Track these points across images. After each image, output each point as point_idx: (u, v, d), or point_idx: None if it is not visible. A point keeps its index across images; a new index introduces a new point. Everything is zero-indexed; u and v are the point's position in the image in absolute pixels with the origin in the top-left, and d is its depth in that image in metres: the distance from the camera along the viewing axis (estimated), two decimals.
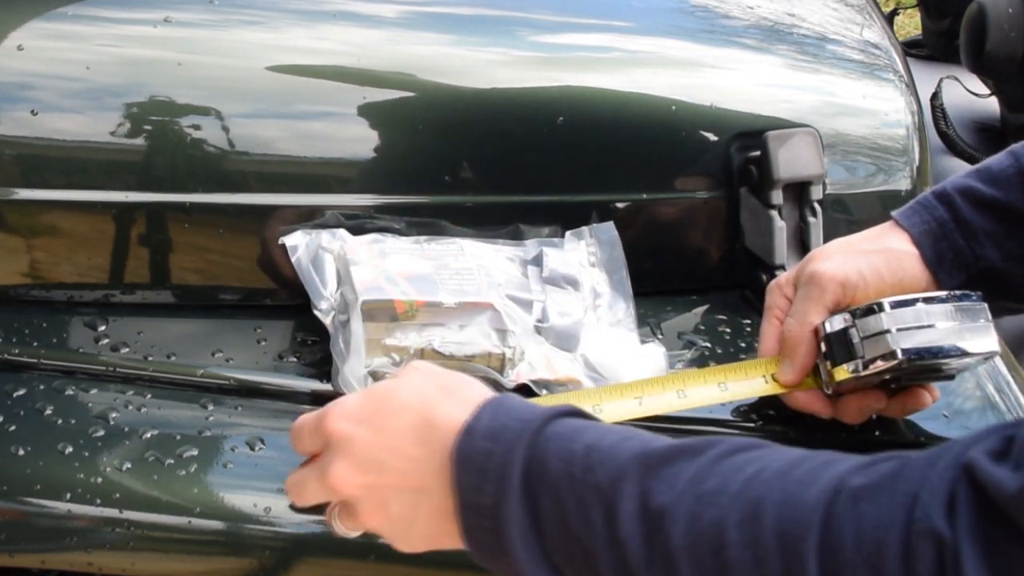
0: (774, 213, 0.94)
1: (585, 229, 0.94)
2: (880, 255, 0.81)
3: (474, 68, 0.94)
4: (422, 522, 0.68)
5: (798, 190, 0.95)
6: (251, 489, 0.80)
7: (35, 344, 0.88)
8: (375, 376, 0.83)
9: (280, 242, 0.89)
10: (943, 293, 0.79)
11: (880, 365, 0.76)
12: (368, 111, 0.91)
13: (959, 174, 0.86)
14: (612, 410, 0.79)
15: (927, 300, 0.77)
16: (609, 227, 0.94)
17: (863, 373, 0.77)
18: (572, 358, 0.86)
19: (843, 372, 0.78)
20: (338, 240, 0.89)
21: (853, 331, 0.77)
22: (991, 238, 0.82)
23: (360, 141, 0.91)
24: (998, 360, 0.97)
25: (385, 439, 0.68)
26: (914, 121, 1.04)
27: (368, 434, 0.68)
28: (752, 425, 0.86)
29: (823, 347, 0.80)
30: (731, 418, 0.86)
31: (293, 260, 0.87)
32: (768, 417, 0.86)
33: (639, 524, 0.60)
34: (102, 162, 0.89)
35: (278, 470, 0.81)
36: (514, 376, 0.84)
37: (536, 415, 0.65)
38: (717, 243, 0.99)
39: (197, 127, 0.89)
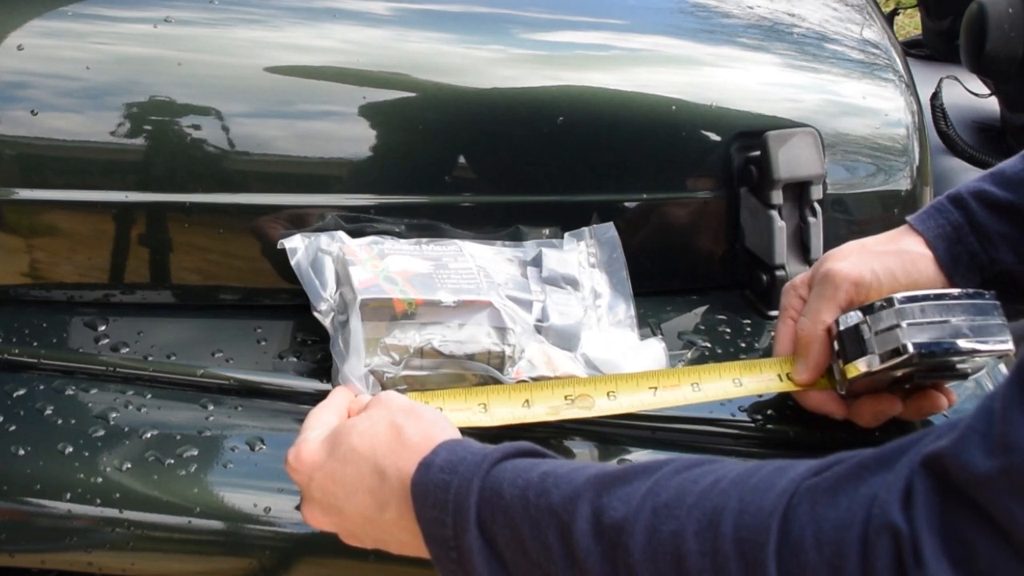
0: (774, 213, 0.94)
1: (585, 230, 0.94)
2: (894, 256, 0.82)
3: (474, 68, 0.94)
4: (397, 551, 0.71)
5: (798, 190, 0.95)
6: (251, 489, 0.80)
7: (35, 344, 0.88)
8: (375, 375, 0.83)
9: (279, 245, 0.89)
10: (956, 290, 0.78)
11: (891, 361, 0.76)
12: (368, 111, 0.91)
13: (973, 178, 0.86)
14: (627, 400, 0.80)
15: (939, 296, 0.77)
16: (609, 227, 0.94)
17: (875, 369, 0.77)
18: (572, 356, 0.86)
19: (855, 369, 0.78)
20: (337, 242, 0.89)
21: (865, 327, 0.77)
22: (1006, 241, 0.82)
23: (360, 141, 0.91)
24: (998, 360, 0.97)
25: (338, 486, 0.70)
26: (914, 121, 1.04)
27: (323, 481, 0.71)
28: (754, 426, 0.86)
29: (836, 346, 0.79)
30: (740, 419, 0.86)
31: (292, 263, 0.88)
32: (775, 418, 0.86)
33: (596, 541, 0.60)
34: (102, 162, 0.89)
35: (278, 470, 0.81)
36: (514, 374, 0.84)
37: (493, 450, 0.66)
38: (717, 243, 0.99)
39: (197, 127, 0.89)
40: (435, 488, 0.65)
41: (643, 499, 0.60)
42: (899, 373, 0.78)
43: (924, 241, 0.83)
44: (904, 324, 0.75)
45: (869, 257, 0.82)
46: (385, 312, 0.84)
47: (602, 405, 0.81)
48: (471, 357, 0.84)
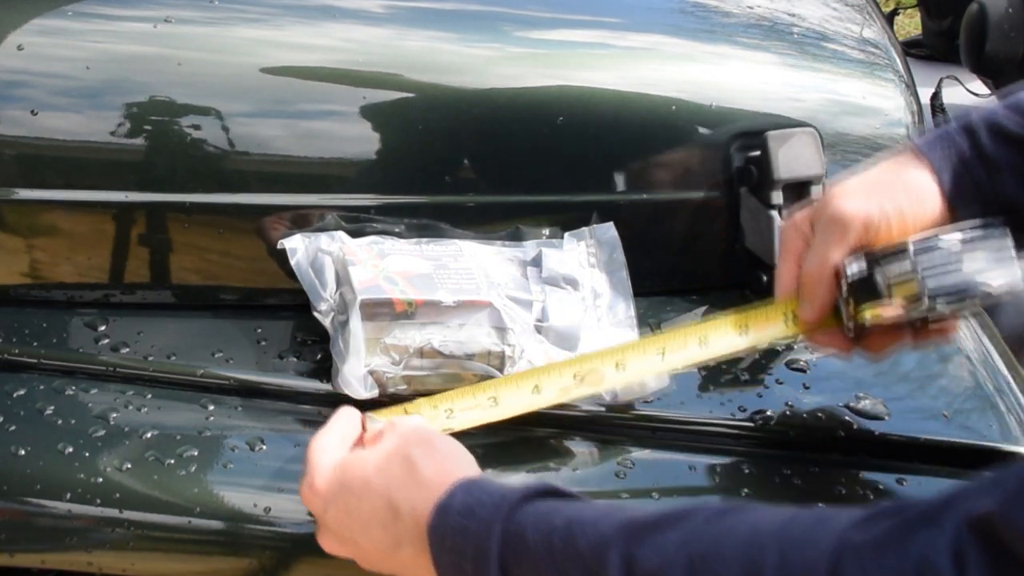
0: (774, 213, 0.94)
1: (585, 230, 0.94)
2: (902, 191, 0.78)
3: (474, 67, 0.94)
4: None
5: (798, 190, 0.95)
6: (251, 489, 0.80)
7: (35, 344, 0.88)
8: (375, 375, 0.83)
9: (279, 245, 0.89)
10: (967, 227, 0.75)
11: (909, 307, 0.74)
12: (368, 111, 0.91)
13: (988, 105, 0.83)
14: (636, 368, 0.79)
15: (951, 237, 0.75)
16: (609, 227, 0.94)
17: (889, 315, 0.75)
18: (572, 356, 0.86)
19: (870, 313, 0.76)
20: (337, 242, 0.89)
21: (879, 275, 0.75)
22: (1014, 173, 0.79)
23: (360, 141, 0.91)
24: (998, 360, 0.97)
25: (353, 521, 0.70)
26: (914, 121, 1.04)
27: (338, 514, 0.71)
28: (753, 426, 0.86)
29: (844, 288, 0.77)
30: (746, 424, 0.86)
31: (292, 263, 0.88)
32: (775, 419, 0.86)
33: None
34: (102, 162, 0.89)
35: (278, 470, 0.81)
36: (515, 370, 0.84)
37: (512, 492, 0.65)
38: (717, 243, 0.99)
39: (197, 127, 0.89)
40: (453, 532, 0.64)
41: (678, 549, 0.58)
42: (915, 315, 0.76)
43: (930, 169, 0.79)
44: (921, 271, 0.73)
45: (877, 193, 0.78)
46: (385, 312, 0.84)
47: (612, 378, 0.80)
48: (471, 357, 0.84)
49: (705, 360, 0.81)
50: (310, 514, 0.76)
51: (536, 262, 0.91)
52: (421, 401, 0.81)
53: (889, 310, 0.75)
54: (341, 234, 0.90)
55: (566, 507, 0.64)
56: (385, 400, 0.83)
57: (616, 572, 0.59)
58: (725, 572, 0.56)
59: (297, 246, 0.89)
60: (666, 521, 0.60)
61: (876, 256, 0.76)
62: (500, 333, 0.85)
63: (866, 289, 0.76)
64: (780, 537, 0.57)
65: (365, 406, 0.83)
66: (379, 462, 0.71)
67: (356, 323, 0.83)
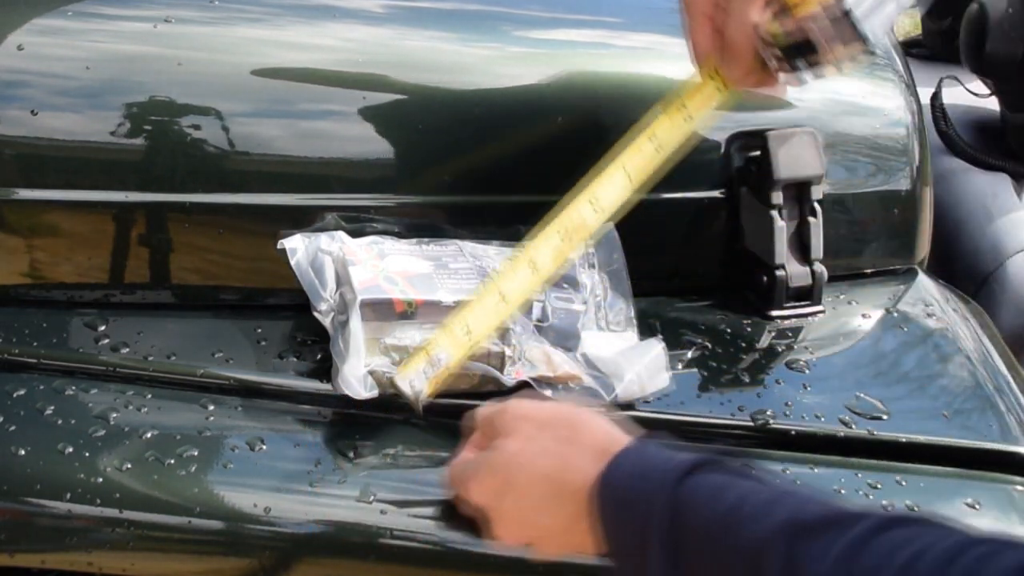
0: (774, 213, 0.94)
1: None
2: None
3: (475, 67, 0.94)
4: (574, 551, 0.71)
5: (798, 190, 0.95)
6: (251, 489, 0.80)
7: (35, 344, 0.88)
8: (375, 375, 0.82)
9: (279, 245, 0.89)
10: None
11: (844, 52, 0.78)
12: (368, 111, 0.91)
13: None
14: (609, 197, 0.81)
15: None
16: (608, 227, 0.94)
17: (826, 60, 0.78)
18: (572, 356, 0.86)
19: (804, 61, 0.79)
20: (336, 242, 0.89)
21: (813, 28, 0.77)
22: None
23: (360, 141, 0.91)
24: (998, 360, 0.97)
25: (525, 511, 0.71)
26: (914, 121, 1.04)
27: (509, 507, 0.72)
28: (754, 425, 0.86)
29: (768, 42, 0.79)
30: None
31: (292, 263, 0.87)
32: (775, 418, 0.86)
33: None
34: (102, 162, 0.89)
35: (278, 470, 0.81)
36: (514, 374, 0.84)
37: (677, 464, 0.65)
38: (717, 243, 0.99)
39: (197, 127, 0.89)
40: (621, 495, 0.65)
41: (837, 561, 0.56)
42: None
43: None
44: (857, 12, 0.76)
45: None
46: (385, 312, 0.84)
47: (593, 219, 0.81)
48: (471, 357, 0.84)
49: (661, 161, 0.81)
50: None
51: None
52: (437, 336, 0.81)
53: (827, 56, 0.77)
54: (341, 234, 0.90)
55: (734, 486, 0.63)
56: (385, 400, 0.83)
57: (775, 574, 0.58)
58: None
59: (297, 246, 0.89)
60: (831, 525, 0.58)
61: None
62: (500, 333, 0.85)
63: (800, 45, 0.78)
64: (944, 569, 0.53)
65: (365, 405, 0.84)
66: (536, 450, 0.71)
67: (356, 323, 0.83)
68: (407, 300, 0.84)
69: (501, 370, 0.84)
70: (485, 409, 0.78)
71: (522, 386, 0.84)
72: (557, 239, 0.81)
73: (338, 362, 0.83)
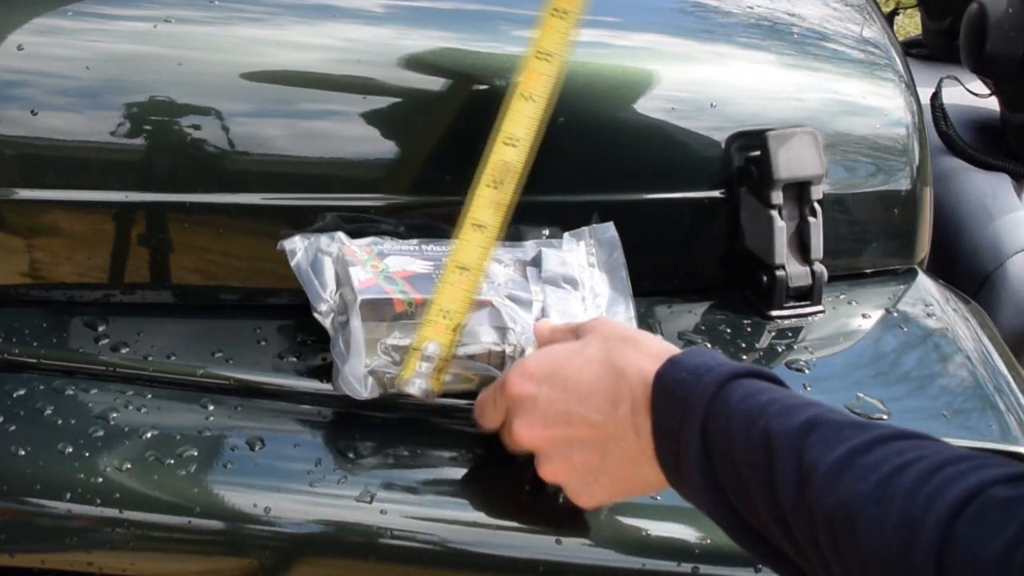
0: (774, 213, 0.94)
1: (585, 230, 0.94)
2: None
3: (475, 67, 0.94)
4: (608, 471, 0.73)
5: (798, 190, 0.95)
6: (251, 489, 0.80)
7: (35, 344, 0.88)
8: (375, 375, 0.83)
9: (279, 247, 0.89)
10: None
11: None
12: (368, 111, 0.91)
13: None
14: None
15: None
16: (609, 227, 0.94)
17: None
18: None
19: None
20: (336, 243, 0.89)
21: None
22: None
23: (359, 141, 0.91)
24: (998, 360, 0.97)
25: (571, 393, 0.73)
26: (914, 121, 1.04)
27: (553, 390, 0.74)
28: None
29: None
30: None
31: (292, 264, 0.87)
32: None
33: (794, 472, 0.61)
34: (102, 162, 0.89)
35: (278, 470, 0.82)
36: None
37: (738, 365, 0.69)
38: (717, 243, 0.99)
39: (197, 127, 0.89)
40: (675, 384, 0.69)
41: (844, 454, 0.60)
42: None
43: None
44: None
45: None
46: (385, 312, 0.84)
47: (514, 156, 0.83)
48: (471, 357, 0.84)
49: (560, 68, 0.82)
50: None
51: (536, 262, 0.91)
52: (420, 332, 0.82)
53: None
54: (341, 234, 0.90)
55: (774, 390, 0.67)
56: (385, 400, 0.83)
57: (792, 455, 0.62)
58: (872, 486, 0.58)
59: (296, 247, 0.89)
60: (849, 426, 0.62)
61: None
62: (500, 332, 0.85)
63: None
64: (932, 473, 0.57)
65: (365, 405, 0.84)
66: (597, 343, 0.75)
67: (356, 323, 0.83)
68: (407, 300, 0.84)
69: (501, 369, 0.84)
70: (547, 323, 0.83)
71: None
72: (490, 191, 0.81)
73: (338, 362, 0.83)
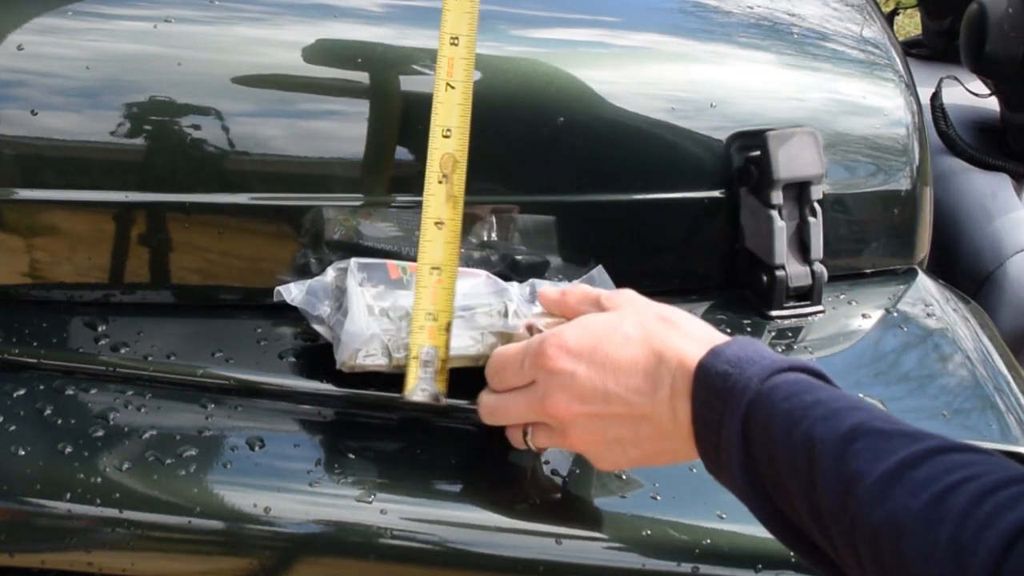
0: (774, 213, 0.94)
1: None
2: None
3: (475, 67, 0.94)
4: (639, 444, 0.74)
5: (798, 190, 0.95)
6: (251, 489, 0.80)
7: (35, 344, 0.88)
8: (377, 340, 0.82)
9: (276, 295, 0.89)
10: None
11: None
12: (369, 111, 0.91)
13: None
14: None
15: None
16: (600, 271, 0.92)
17: None
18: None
19: None
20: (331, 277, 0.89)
21: None
22: None
23: (360, 141, 0.91)
24: (998, 360, 0.97)
25: (609, 372, 0.73)
26: (914, 121, 1.04)
27: (591, 367, 0.73)
28: None
29: None
30: None
31: (288, 300, 0.88)
32: None
33: (836, 481, 0.60)
34: (102, 162, 0.89)
35: (278, 470, 0.82)
36: (521, 325, 0.84)
37: (781, 360, 0.69)
38: (717, 243, 0.99)
39: (197, 127, 0.89)
40: (716, 376, 0.68)
41: (894, 466, 0.59)
42: None
43: None
44: None
45: None
46: (380, 276, 0.85)
47: (454, 146, 0.82)
48: (470, 309, 0.84)
49: (471, 47, 0.82)
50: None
51: (530, 295, 0.91)
52: (412, 339, 0.82)
53: None
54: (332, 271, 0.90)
55: (819, 389, 0.66)
56: (386, 400, 0.83)
57: (830, 460, 0.61)
58: (921, 505, 0.56)
59: (291, 288, 0.89)
60: (898, 435, 0.61)
61: None
62: (498, 293, 0.85)
63: None
64: (981, 500, 0.55)
65: (365, 405, 0.84)
66: (634, 320, 0.74)
67: (353, 285, 0.83)
68: (402, 267, 0.85)
69: (506, 317, 0.84)
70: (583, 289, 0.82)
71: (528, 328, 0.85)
72: (442, 186, 0.82)
73: (337, 330, 0.83)
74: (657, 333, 0.73)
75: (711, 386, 0.69)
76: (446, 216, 0.82)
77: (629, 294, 0.80)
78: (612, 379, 0.73)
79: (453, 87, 0.81)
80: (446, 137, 0.81)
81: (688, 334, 0.73)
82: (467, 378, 0.83)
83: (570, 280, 0.93)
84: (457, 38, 0.81)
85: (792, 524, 0.65)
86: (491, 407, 0.80)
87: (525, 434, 0.79)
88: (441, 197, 0.81)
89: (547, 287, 0.84)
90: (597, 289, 0.82)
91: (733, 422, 0.67)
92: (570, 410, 0.74)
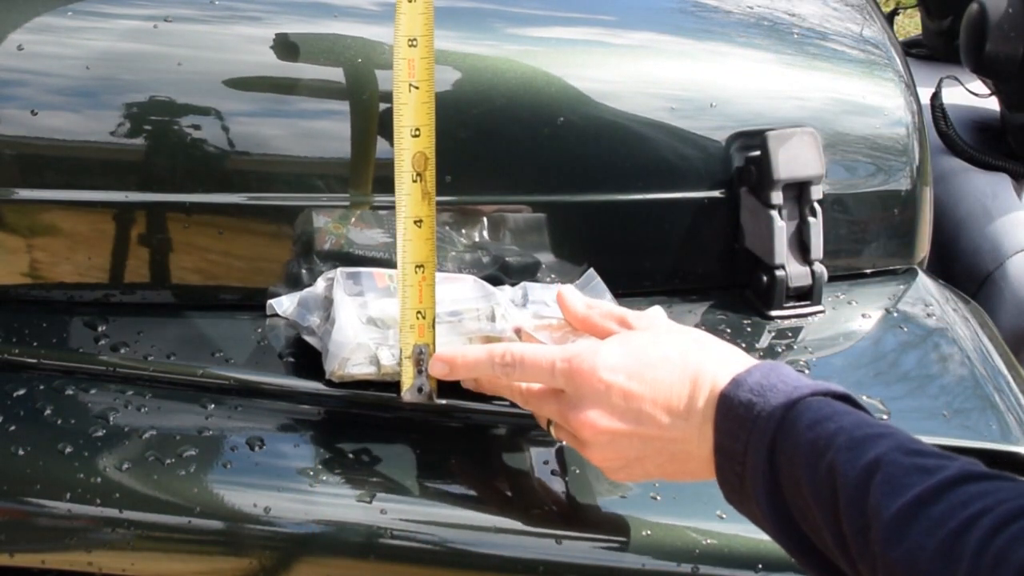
0: (774, 213, 0.94)
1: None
2: None
3: (475, 67, 0.94)
4: (660, 465, 0.74)
5: (798, 190, 0.95)
6: (251, 489, 0.80)
7: (35, 344, 0.88)
8: (364, 349, 0.82)
9: (269, 310, 0.89)
10: None
11: None
12: (369, 111, 0.91)
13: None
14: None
15: None
16: (591, 275, 0.92)
17: None
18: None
19: None
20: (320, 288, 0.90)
21: None
22: None
23: (360, 141, 0.91)
24: (998, 360, 0.97)
25: (648, 394, 0.73)
26: (914, 121, 1.04)
27: (632, 387, 0.73)
28: None
29: None
30: None
31: (280, 312, 0.89)
32: None
33: (859, 515, 0.60)
34: (102, 162, 0.89)
35: (278, 470, 0.81)
36: (510, 329, 0.84)
37: (805, 385, 0.68)
38: (717, 243, 0.99)
39: (197, 127, 0.89)
40: (739, 405, 0.68)
41: (910, 503, 0.59)
42: None
43: None
44: None
45: None
46: (368, 284, 0.85)
47: (424, 144, 0.81)
48: (457, 314, 0.84)
49: (429, 49, 0.81)
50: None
51: (522, 298, 0.91)
52: (403, 339, 0.81)
53: None
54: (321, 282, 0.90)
55: (844, 416, 0.66)
56: (385, 400, 0.83)
57: (855, 490, 0.61)
58: (938, 541, 0.56)
59: (284, 301, 0.90)
60: (916, 471, 0.60)
61: None
62: (485, 297, 0.85)
63: None
64: (996, 533, 0.55)
65: (365, 405, 0.84)
66: (672, 343, 0.75)
67: (340, 295, 0.83)
68: (388, 274, 0.86)
69: (493, 321, 0.84)
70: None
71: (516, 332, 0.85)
72: (416, 185, 0.82)
73: (324, 340, 0.83)
74: (693, 356, 0.73)
75: (734, 417, 0.68)
76: (424, 213, 0.82)
77: (658, 313, 0.80)
78: (648, 401, 0.73)
79: (416, 87, 0.81)
80: (415, 136, 0.81)
81: (720, 358, 0.73)
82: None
83: (563, 282, 0.93)
84: (415, 39, 0.81)
85: (819, 551, 0.65)
86: (516, 392, 0.79)
87: (549, 423, 0.79)
88: (417, 196, 0.82)
89: (572, 298, 0.83)
90: (623, 308, 0.81)
91: (759, 453, 0.66)
92: (598, 426, 0.74)
